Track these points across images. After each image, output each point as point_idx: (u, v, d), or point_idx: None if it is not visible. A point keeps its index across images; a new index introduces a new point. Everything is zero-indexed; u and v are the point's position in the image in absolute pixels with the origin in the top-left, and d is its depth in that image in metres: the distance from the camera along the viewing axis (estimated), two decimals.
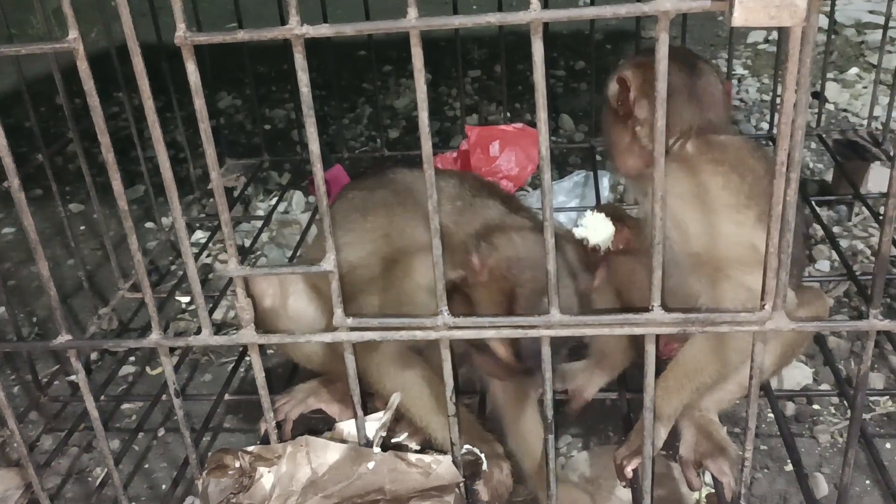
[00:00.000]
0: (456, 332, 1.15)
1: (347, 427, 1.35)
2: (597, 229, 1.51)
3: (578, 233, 1.50)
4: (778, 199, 1.00)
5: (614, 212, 1.57)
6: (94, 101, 1.05)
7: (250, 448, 1.28)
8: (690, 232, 1.40)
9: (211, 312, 1.81)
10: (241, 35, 0.99)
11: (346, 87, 3.69)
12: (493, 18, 0.96)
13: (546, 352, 1.15)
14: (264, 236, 2.60)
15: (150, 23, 2.34)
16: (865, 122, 2.73)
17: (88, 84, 1.04)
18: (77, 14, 1.00)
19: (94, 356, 2.10)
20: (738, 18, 0.88)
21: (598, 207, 1.61)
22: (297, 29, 0.97)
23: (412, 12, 0.96)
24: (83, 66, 1.02)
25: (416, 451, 1.24)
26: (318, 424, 1.50)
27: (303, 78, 1.00)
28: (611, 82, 1.49)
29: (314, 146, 1.05)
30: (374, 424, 1.30)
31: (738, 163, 1.42)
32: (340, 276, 1.12)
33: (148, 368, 2.07)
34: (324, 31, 0.97)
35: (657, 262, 1.06)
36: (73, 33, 1.01)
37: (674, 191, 1.42)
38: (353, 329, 1.16)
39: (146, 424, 1.80)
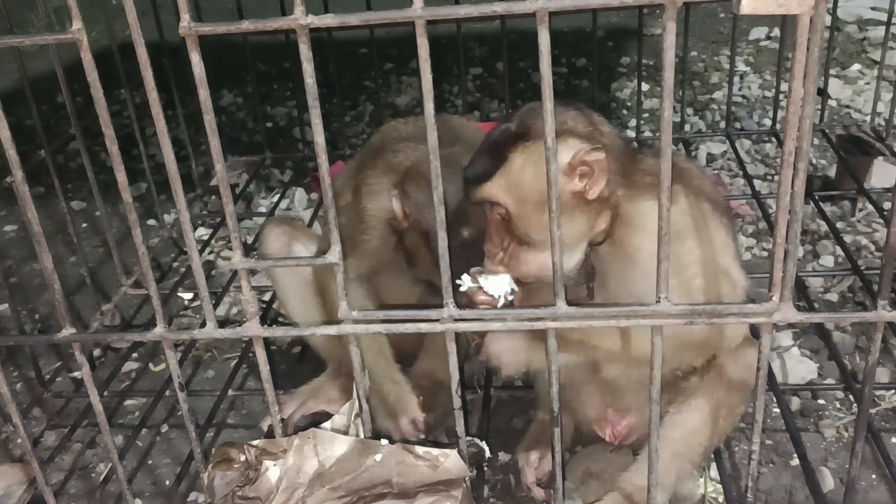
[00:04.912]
0: (461, 325, 1.15)
1: (340, 419, 1.37)
2: (496, 285, 1.29)
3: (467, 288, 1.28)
4: (786, 190, 0.99)
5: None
6: (97, 92, 1.04)
7: (256, 442, 1.28)
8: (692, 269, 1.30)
9: (214, 308, 1.80)
10: (246, 25, 0.98)
11: (348, 85, 3.69)
12: (499, 8, 0.96)
13: (552, 344, 1.14)
14: None
15: (151, 21, 2.34)
16: (868, 119, 2.72)
17: (92, 75, 1.03)
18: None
19: (96, 353, 2.10)
20: (747, 6, 0.87)
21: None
22: (301, 19, 0.96)
23: (418, 2, 0.95)
24: (87, 58, 1.02)
25: (424, 444, 1.24)
26: (320, 422, 1.50)
27: (308, 69, 0.99)
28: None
29: (319, 138, 1.04)
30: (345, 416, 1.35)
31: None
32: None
33: (151, 365, 2.06)
34: (328, 21, 0.97)
35: (664, 253, 1.05)
36: (77, 24, 1.00)
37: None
38: (357, 321, 1.16)
39: (149, 420, 1.79)
